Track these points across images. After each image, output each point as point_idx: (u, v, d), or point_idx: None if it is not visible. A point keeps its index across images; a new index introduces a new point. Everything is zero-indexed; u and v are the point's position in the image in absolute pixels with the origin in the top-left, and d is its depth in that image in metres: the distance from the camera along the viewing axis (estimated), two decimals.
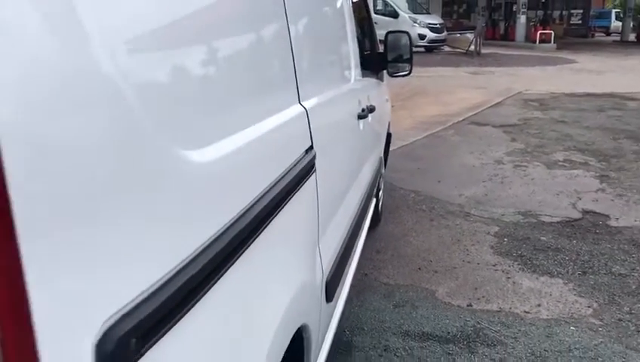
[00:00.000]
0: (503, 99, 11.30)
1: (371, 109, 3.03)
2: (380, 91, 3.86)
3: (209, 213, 1.00)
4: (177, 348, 0.87)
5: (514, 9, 30.10)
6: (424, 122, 8.89)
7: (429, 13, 26.76)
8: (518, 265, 4.06)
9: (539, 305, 3.50)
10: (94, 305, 0.71)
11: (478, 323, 3.28)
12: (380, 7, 22.69)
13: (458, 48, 23.44)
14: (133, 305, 0.76)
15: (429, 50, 22.81)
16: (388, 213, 4.97)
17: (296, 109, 1.64)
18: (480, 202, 5.36)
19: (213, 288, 0.96)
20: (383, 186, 4.74)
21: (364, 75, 3.14)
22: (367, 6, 4.08)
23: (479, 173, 6.30)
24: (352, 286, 2.89)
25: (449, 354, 2.98)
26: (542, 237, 4.54)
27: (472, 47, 21.97)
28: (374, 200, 4.02)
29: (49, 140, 0.65)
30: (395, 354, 2.97)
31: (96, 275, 0.72)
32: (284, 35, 1.61)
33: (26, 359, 0.61)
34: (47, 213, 0.64)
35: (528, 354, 2.98)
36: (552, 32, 26.78)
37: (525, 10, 28.42)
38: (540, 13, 31.24)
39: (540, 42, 26.35)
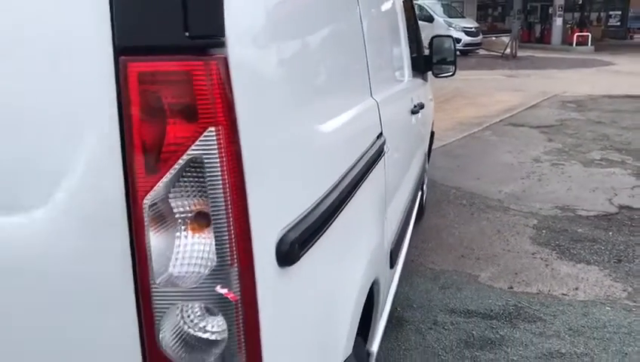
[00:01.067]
0: (539, 101, 11.46)
1: (421, 106, 3.37)
2: (425, 91, 4.19)
3: (331, 166, 1.37)
4: (316, 260, 1.22)
5: (550, 12, 30.00)
6: (462, 123, 9.14)
7: (463, 17, 26.87)
8: (556, 253, 4.32)
9: (576, 289, 3.76)
10: (277, 218, 1.07)
11: (519, 302, 3.57)
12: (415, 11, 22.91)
13: (494, 51, 23.51)
14: (295, 223, 1.12)
15: (464, 53, 22.89)
16: (431, 207, 5.26)
17: (370, 101, 1.99)
18: (518, 197, 5.62)
19: (334, 223, 1.32)
20: (426, 181, 5.05)
21: (413, 76, 3.47)
22: (414, 12, 4.40)
23: (517, 171, 6.55)
24: (402, 269, 3.21)
25: (492, 328, 3.28)
26: (579, 229, 4.79)
27: (508, 50, 22.02)
28: (420, 192, 4.33)
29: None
30: (443, 328, 3.28)
31: (277, 200, 1.08)
32: (361, 41, 1.96)
33: (246, 244, 0.97)
34: (257, 157, 1.00)
35: (566, 329, 3.26)
36: (589, 34, 26.59)
37: (562, 12, 28.28)
38: (577, 15, 31.03)
39: (576, 44, 26.20)
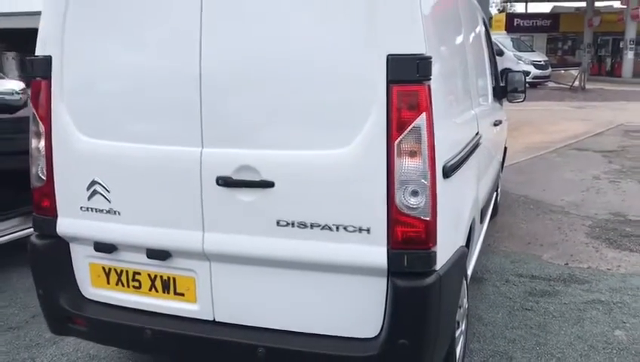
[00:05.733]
0: (604, 130, 12.36)
1: (500, 122, 4.63)
2: (501, 112, 5.44)
3: (461, 139, 2.70)
4: (456, 181, 2.53)
5: (621, 45, 30.38)
6: (529, 147, 10.22)
7: (533, 50, 27.73)
8: (606, 244, 5.42)
9: (619, 266, 4.87)
10: (444, 156, 2.37)
11: (572, 272, 4.71)
12: None
13: (562, 84, 24.23)
14: (451, 158, 2.44)
15: (533, 85, 23.71)
16: (503, 209, 6.43)
17: (472, 112, 3.30)
18: (578, 205, 6.71)
19: (463, 166, 2.63)
20: (500, 186, 6.24)
21: (494, 100, 4.75)
22: (493, 50, 5.67)
23: (578, 185, 7.62)
24: (480, 250, 4.37)
25: (550, 286, 4.44)
26: (627, 228, 5.85)
27: (577, 83, 22.73)
28: (495, 193, 5.53)
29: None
30: (513, 284, 4.47)
31: (444, 148, 2.38)
32: (469, 74, 3.28)
33: (434, 164, 2.27)
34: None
35: (607, 288, 4.38)
36: None
37: (633, 45, 28.66)
38: None
39: None
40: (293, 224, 2.40)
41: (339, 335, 2.46)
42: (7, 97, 4.52)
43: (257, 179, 2.40)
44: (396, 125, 2.24)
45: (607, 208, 6.59)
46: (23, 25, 28.87)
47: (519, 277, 4.60)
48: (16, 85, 4.57)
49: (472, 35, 3.90)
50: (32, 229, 4.77)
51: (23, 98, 4.62)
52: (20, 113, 4.68)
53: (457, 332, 2.93)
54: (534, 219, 6.17)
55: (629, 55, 28.84)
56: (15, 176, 4.71)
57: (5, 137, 4.72)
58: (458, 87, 2.97)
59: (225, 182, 2.44)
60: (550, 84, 25.29)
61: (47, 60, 2.68)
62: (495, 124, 4.40)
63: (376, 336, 2.38)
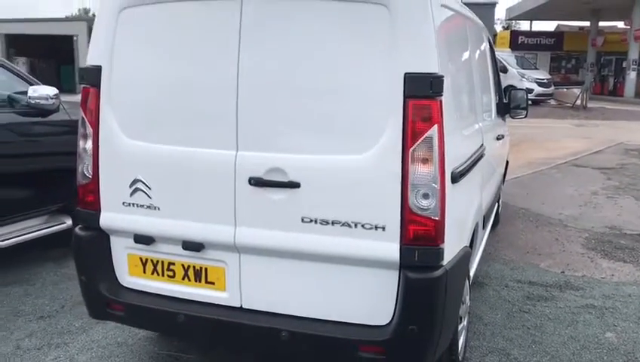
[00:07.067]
0: (604, 148, 12.65)
1: (502, 136, 4.94)
2: (504, 127, 5.75)
3: (467, 149, 3.01)
4: (463, 186, 2.83)
5: (624, 65, 30.80)
6: (531, 162, 10.52)
7: (536, 68, 28.13)
8: (601, 255, 5.70)
9: (612, 275, 5.14)
10: (452, 163, 2.67)
11: (568, 280, 4.99)
12: None
13: (565, 102, 24.58)
14: (458, 165, 2.74)
15: (536, 103, 24.08)
16: (504, 220, 6.71)
17: (477, 125, 3.60)
18: (576, 218, 6.99)
19: (469, 173, 2.93)
20: (501, 197, 6.53)
21: (497, 116, 5.07)
22: (497, 68, 5.99)
23: (577, 200, 7.91)
24: (481, 257, 4.66)
25: (547, 291, 4.72)
26: (622, 241, 6.13)
27: (579, 102, 23.07)
28: (497, 204, 5.82)
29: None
30: (511, 289, 4.75)
31: (452, 156, 2.68)
32: (475, 91, 3.58)
33: (444, 170, 2.57)
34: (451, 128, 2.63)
35: (600, 295, 4.66)
36: None
37: (636, 66, 29.07)
38: None
39: None
40: (316, 221, 2.69)
41: (355, 322, 2.75)
42: (42, 102, 4.80)
43: (285, 180, 2.70)
44: (411, 135, 2.53)
45: (603, 222, 6.87)
46: (33, 31, 29.56)
47: (518, 283, 4.88)
48: (50, 91, 4.86)
49: (478, 54, 4.21)
50: (58, 226, 5.10)
51: (56, 103, 4.91)
52: (52, 117, 4.98)
53: (460, 326, 3.21)
54: (533, 231, 6.45)
55: (632, 75, 29.25)
56: (46, 174, 5.04)
57: (39, 139, 5.04)
58: (465, 103, 3.29)
59: (256, 182, 2.73)
60: (553, 102, 25.65)
61: (98, 70, 2.99)
62: (498, 138, 4.72)
63: (388, 323, 2.67)
